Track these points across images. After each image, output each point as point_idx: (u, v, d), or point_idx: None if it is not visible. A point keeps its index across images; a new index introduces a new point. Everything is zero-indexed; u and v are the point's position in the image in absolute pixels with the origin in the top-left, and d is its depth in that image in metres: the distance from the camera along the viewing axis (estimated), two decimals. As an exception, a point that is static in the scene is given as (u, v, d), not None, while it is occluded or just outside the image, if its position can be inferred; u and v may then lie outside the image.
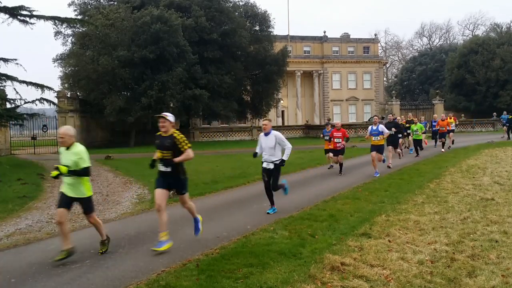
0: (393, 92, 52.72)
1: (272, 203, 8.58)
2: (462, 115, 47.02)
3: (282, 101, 51.43)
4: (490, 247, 6.00)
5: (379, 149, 13.05)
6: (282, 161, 8.36)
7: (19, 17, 18.82)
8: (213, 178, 13.57)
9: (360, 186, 11.29)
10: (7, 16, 18.55)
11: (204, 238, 6.82)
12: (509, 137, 26.90)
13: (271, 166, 8.30)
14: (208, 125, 45.25)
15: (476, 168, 14.06)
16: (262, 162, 8.52)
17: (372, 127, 13.40)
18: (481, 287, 4.73)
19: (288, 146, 8.34)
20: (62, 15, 20.37)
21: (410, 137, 19.97)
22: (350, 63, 57.89)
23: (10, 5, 18.51)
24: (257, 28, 40.01)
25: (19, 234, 7.66)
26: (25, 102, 19.78)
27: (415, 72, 68.10)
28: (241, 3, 40.10)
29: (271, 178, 8.36)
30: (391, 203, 8.95)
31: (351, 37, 59.84)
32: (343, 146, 13.81)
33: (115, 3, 37.09)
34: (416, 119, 20.58)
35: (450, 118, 22.81)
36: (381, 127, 13.13)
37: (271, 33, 40.23)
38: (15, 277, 5.35)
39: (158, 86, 30.23)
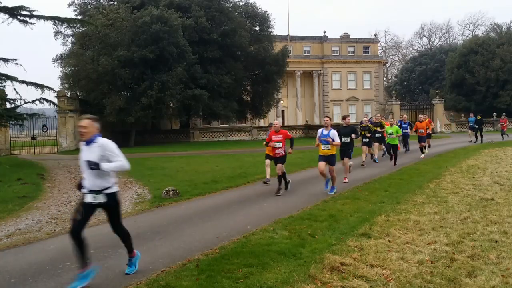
0: (393, 92, 52.70)
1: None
2: (462, 115, 47.02)
3: (282, 101, 51.43)
4: (490, 247, 6.01)
5: (329, 159, 10.13)
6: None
7: (19, 17, 18.81)
8: (213, 178, 13.57)
9: (360, 186, 11.29)
10: (7, 16, 18.55)
11: (204, 238, 6.82)
12: (478, 140, 24.81)
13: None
14: (208, 125, 45.26)
15: (476, 168, 14.06)
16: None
17: (322, 131, 10.22)
18: (481, 287, 4.73)
19: None
20: (62, 15, 20.37)
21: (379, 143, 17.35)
22: (350, 63, 57.89)
23: (10, 5, 18.51)
24: (257, 28, 39.99)
25: (19, 234, 7.66)
26: (25, 102, 19.78)
27: (415, 72, 68.09)
28: (241, 3, 40.10)
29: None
30: (391, 203, 8.96)
31: (351, 37, 59.82)
32: (283, 153, 10.81)
33: (115, 3, 37.05)
34: (393, 120, 17.97)
35: (421, 122, 19.15)
36: (333, 133, 10.10)
37: (271, 33, 40.21)
38: (15, 277, 5.35)
39: (158, 86, 30.22)
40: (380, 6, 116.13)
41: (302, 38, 56.84)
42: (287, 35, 53.58)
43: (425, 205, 8.65)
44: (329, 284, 4.80)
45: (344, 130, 11.93)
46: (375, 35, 65.11)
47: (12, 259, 6.11)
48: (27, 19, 18.90)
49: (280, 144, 10.79)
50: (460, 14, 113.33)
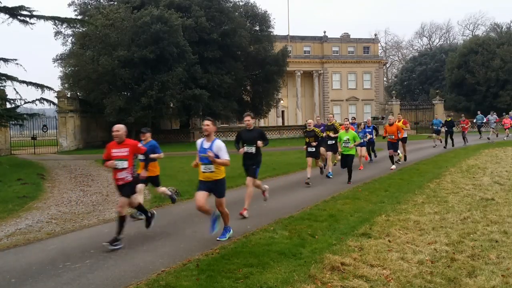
0: (393, 92, 52.63)
1: None
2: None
3: (282, 101, 51.43)
4: (490, 247, 6.01)
5: (214, 188, 6.61)
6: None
7: (19, 17, 18.82)
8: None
9: (360, 186, 11.29)
10: (7, 16, 18.56)
11: (204, 238, 6.82)
12: (447, 144, 22.01)
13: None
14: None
15: (476, 168, 14.06)
16: None
17: (202, 143, 6.67)
18: (481, 287, 4.73)
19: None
20: (62, 15, 20.41)
21: (335, 152, 13.82)
22: (350, 63, 57.88)
23: (10, 5, 18.52)
24: (257, 28, 39.98)
25: (19, 234, 7.66)
26: (25, 102, 19.79)
27: (415, 72, 68.05)
28: (241, 3, 40.09)
29: None
30: (391, 203, 8.95)
31: (351, 37, 59.82)
32: (131, 178, 6.68)
33: (115, 3, 37.05)
34: (348, 123, 12.90)
35: (399, 121, 16.75)
36: (217, 146, 6.53)
37: (271, 33, 40.20)
38: (15, 277, 5.35)
39: (158, 86, 30.22)
40: (380, 6, 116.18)
41: (302, 38, 56.83)
42: (287, 35, 53.57)
43: (425, 205, 8.65)
44: (329, 284, 4.80)
45: (247, 135, 8.39)
46: (375, 35, 65.12)
47: (12, 259, 6.11)
48: (27, 19, 18.91)
49: (125, 164, 6.56)
50: (460, 14, 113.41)
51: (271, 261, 5.48)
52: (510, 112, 29.91)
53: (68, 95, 33.16)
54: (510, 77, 47.92)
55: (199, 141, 6.77)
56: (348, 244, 6.17)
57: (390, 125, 15.05)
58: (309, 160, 11.99)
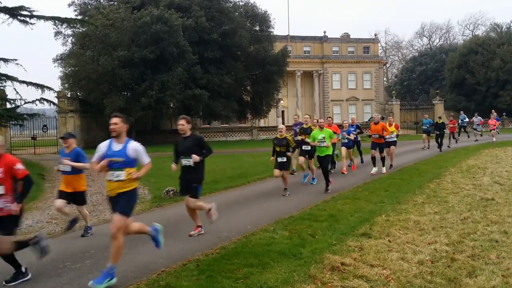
0: (393, 92, 52.65)
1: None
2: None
3: (282, 101, 51.42)
4: (490, 247, 6.01)
5: (118, 203, 5.23)
6: None
7: (19, 17, 18.81)
8: (213, 178, 13.55)
9: (360, 186, 11.29)
10: (7, 16, 18.55)
11: (204, 238, 6.83)
12: (440, 147, 20.16)
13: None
14: (208, 125, 45.23)
15: (476, 168, 14.05)
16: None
17: (111, 145, 5.58)
18: (481, 287, 4.73)
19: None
20: (62, 15, 20.39)
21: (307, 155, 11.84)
22: (350, 63, 57.88)
23: (10, 5, 18.50)
24: (257, 28, 39.97)
25: (19, 234, 7.66)
26: (25, 102, 19.78)
27: (415, 72, 68.08)
28: (241, 3, 40.09)
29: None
30: (391, 203, 8.95)
31: (351, 37, 59.82)
32: (12, 209, 5.13)
33: (115, 3, 37.05)
34: (322, 120, 11.60)
35: (391, 125, 14.83)
36: (134, 148, 5.53)
37: (271, 33, 40.20)
38: (15, 277, 5.34)
39: (158, 86, 30.22)
40: (380, 6, 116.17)
41: (302, 38, 56.84)
42: (287, 35, 53.57)
43: (425, 205, 8.65)
44: (330, 284, 4.80)
45: (181, 144, 6.86)
46: (375, 35, 65.14)
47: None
48: (27, 19, 18.90)
49: (0, 190, 5.05)
50: (460, 14, 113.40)
51: (271, 261, 5.48)
52: (494, 112, 28.43)
53: (68, 95, 33.17)
54: (510, 77, 47.95)
55: (104, 144, 5.52)
56: (348, 244, 6.17)
57: (376, 123, 13.85)
58: (277, 172, 10.23)
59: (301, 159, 12.01)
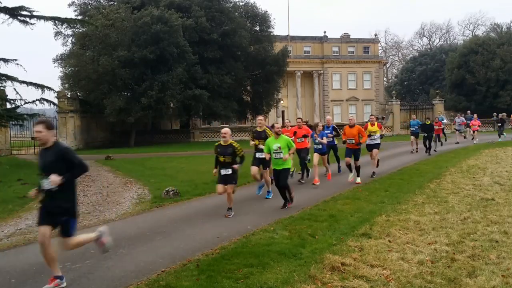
0: (393, 92, 52.61)
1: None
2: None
3: (282, 101, 51.42)
4: (490, 247, 6.01)
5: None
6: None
7: (19, 17, 18.82)
8: (213, 178, 13.48)
9: (360, 186, 11.28)
10: (7, 16, 18.56)
11: (204, 238, 6.83)
12: (429, 150, 19.06)
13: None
14: (208, 125, 45.24)
15: (476, 168, 14.05)
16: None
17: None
18: (481, 287, 4.73)
19: None
20: (62, 16, 20.43)
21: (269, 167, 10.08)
22: (350, 63, 57.87)
23: (10, 5, 18.52)
24: (257, 28, 39.99)
25: (19, 234, 7.67)
26: (25, 103, 19.80)
27: (415, 72, 68.06)
28: (241, 3, 40.09)
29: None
30: (391, 203, 8.95)
31: (351, 37, 59.80)
32: None
33: (115, 3, 37.05)
34: (278, 125, 9.69)
35: (373, 125, 13.14)
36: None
37: (271, 33, 40.21)
38: (15, 277, 5.36)
39: (158, 86, 30.23)
40: (380, 6, 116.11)
41: (302, 38, 56.83)
42: (287, 35, 53.55)
43: (425, 205, 8.65)
44: (330, 284, 4.80)
45: (43, 158, 5.36)
46: (375, 35, 65.13)
47: (12, 259, 6.11)
48: (27, 19, 18.91)
49: None
50: (460, 14, 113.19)
51: (271, 261, 5.48)
52: (469, 113, 27.39)
53: (68, 95, 33.16)
54: (510, 77, 47.93)
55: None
56: (348, 244, 6.17)
57: (351, 126, 11.82)
58: (220, 187, 8.37)
59: (253, 169, 10.02)
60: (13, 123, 21.47)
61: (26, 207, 10.12)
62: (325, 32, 57.28)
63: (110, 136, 36.56)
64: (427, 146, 18.94)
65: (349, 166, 11.88)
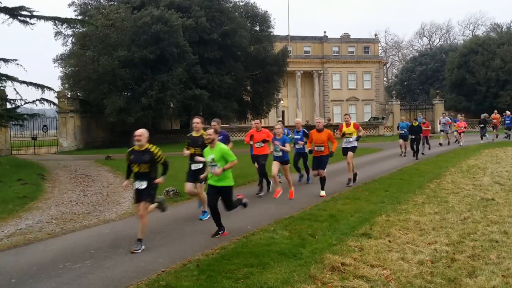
0: (393, 92, 52.62)
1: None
2: (463, 114, 46.97)
3: (282, 101, 51.45)
4: (491, 247, 6.01)
5: None
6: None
7: (19, 17, 18.80)
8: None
9: (360, 186, 11.28)
10: (7, 16, 18.54)
11: (204, 238, 6.82)
12: (416, 154, 17.77)
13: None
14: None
15: (476, 168, 14.04)
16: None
17: None
18: (481, 287, 4.73)
19: None
20: (62, 16, 20.38)
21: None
22: (350, 63, 57.89)
23: (10, 5, 18.49)
24: (257, 28, 39.98)
25: (19, 234, 7.66)
26: (26, 103, 19.76)
27: (415, 72, 68.07)
28: (241, 3, 40.08)
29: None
30: (391, 203, 8.95)
31: (351, 37, 59.83)
32: None
33: (115, 3, 37.06)
34: (210, 131, 7.01)
35: (348, 126, 11.79)
36: None
37: (271, 33, 40.20)
38: (15, 277, 5.35)
39: (158, 86, 30.23)
40: (380, 6, 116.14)
41: (302, 38, 56.85)
42: (287, 35, 53.57)
43: (425, 205, 8.65)
44: (330, 284, 4.80)
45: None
46: (375, 35, 65.16)
47: (13, 259, 6.11)
48: (27, 19, 18.89)
49: None
50: (460, 14, 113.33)
51: (271, 261, 5.48)
52: (459, 115, 25.51)
53: (68, 95, 33.16)
54: (510, 77, 47.94)
55: None
56: (348, 244, 6.17)
57: (319, 131, 10.11)
58: (188, 186, 7.90)
59: (188, 186, 8.13)
60: (13, 123, 21.45)
61: (26, 207, 10.12)
62: (325, 32, 57.33)
63: (110, 136, 36.56)
64: (414, 149, 17.66)
65: (322, 178, 10.02)
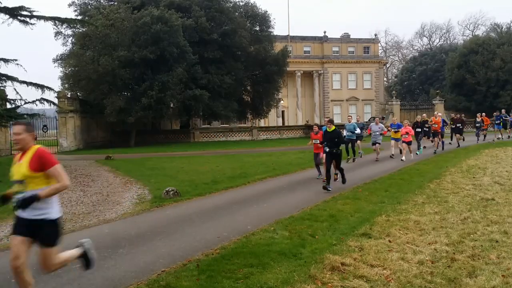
0: (393, 92, 52.62)
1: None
2: (462, 114, 46.98)
3: (282, 101, 51.45)
4: (491, 247, 6.00)
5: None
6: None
7: (19, 17, 18.79)
8: (213, 178, 13.57)
9: (360, 186, 11.28)
10: (7, 16, 18.53)
11: (204, 238, 6.83)
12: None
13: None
14: (209, 125, 45.27)
15: (476, 168, 14.04)
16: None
17: None
18: (482, 287, 4.73)
19: None
20: (62, 16, 20.38)
21: None
22: (350, 63, 57.89)
23: (10, 5, 18.48)
24: (257, 28, 40.01)
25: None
26: (26, 103, 19.77)
27: (415, 72, 68.05)
28: (241, 3, 40.11)
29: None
30: (392, 203, 8.95)
31: (351, 37, 59.83)
32: None
33: (115, 3, 37.06)
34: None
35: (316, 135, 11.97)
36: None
37: (271, 33, 40.24)
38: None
39: (158, 86, 30.25)
40: (380, 6, 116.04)
41: (302, 38, 56.85)
42: (287, 35, 53.57)
43: (425, 205, 8.65)
44: (330, 284, 4.80)
45: None
46: (375, 35, 65.12)
47: (13, 259, 6.10)
48: (27, 19, 18.88)
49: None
50: (460, 14, 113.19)
51: (271, 261, 5.48)
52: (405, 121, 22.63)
53: (68, 96, 33.17)
54: (510, 77, 47.91)
55: None
56: (348, 244, 6.17)
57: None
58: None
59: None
60: (13, 123, 21.44)
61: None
62: (325, 32, 57.33)
63: (110, 136, 36.58)
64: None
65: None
